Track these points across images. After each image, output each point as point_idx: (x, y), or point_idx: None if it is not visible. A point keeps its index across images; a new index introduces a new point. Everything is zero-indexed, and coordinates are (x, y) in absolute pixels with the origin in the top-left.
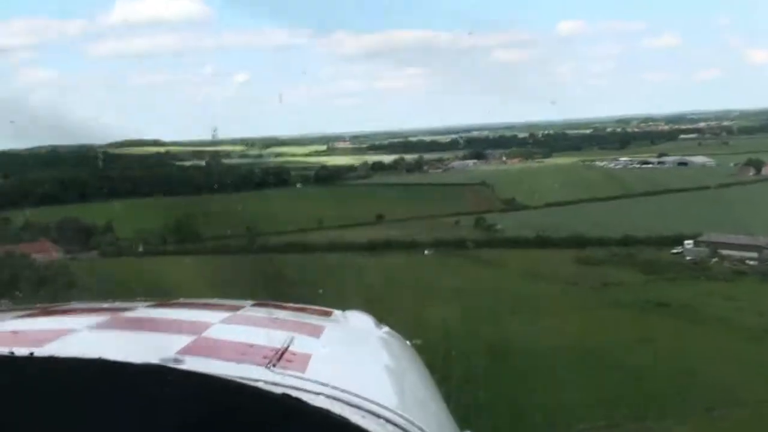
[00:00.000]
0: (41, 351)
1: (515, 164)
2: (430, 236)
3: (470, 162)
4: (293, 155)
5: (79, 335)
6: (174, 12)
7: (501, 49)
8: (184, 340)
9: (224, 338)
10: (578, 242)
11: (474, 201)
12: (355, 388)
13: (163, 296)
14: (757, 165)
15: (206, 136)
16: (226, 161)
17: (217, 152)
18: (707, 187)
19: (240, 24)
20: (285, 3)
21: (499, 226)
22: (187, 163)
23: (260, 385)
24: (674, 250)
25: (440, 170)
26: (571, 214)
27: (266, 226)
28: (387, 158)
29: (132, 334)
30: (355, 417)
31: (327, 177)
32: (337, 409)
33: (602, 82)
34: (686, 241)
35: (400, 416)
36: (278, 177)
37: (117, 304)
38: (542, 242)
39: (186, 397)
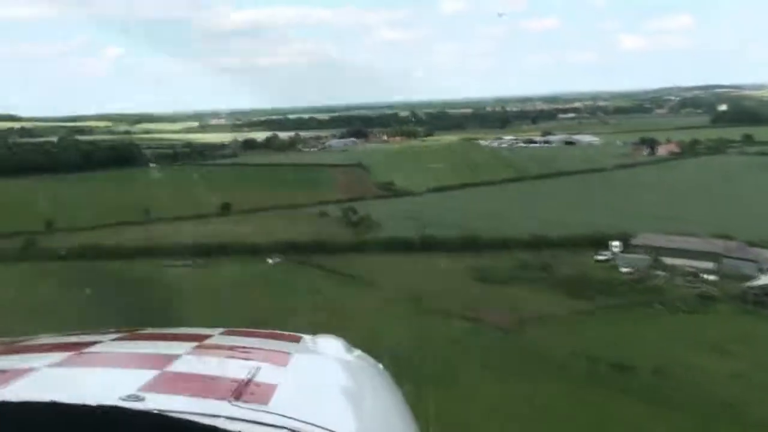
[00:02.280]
0: None
1: (397, 143)
2: (285, 235)
3: (349, 140)
4: (163, 132)
5: (38, 374)
6: None
7: (385, 27)
8: (147, 375)
9: (188, 371)
10: (473, 244)
11: (347, 185)
12: (319, 419)
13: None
14: (651, 144)
15: (71, 111)
16: (84, 138)
17: (78, 128)
18: (604, 169)
19: None
20: None
21: (372, 219)
22: (37, 140)
23: (219, 421)
24: (600, 256)
25: (315, 149)
26: (459, 201)
27: (79, 218)
28: (261, 136)
29: (94, 371)
30: None
31: (188, 156)
32: None
33: (482, 62)
34: (613, 243)
35: None
36: (129, 156)
37: (83, 338)
38: (427, 245)
39: None
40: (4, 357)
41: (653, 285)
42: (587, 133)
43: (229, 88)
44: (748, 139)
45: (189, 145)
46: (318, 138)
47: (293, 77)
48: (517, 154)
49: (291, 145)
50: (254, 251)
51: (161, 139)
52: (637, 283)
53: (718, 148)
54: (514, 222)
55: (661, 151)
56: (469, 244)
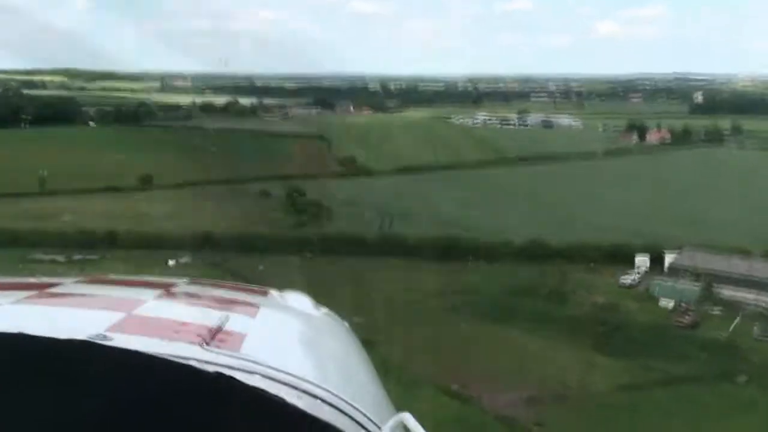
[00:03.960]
0: None
1: (364, 115)
2: (208, 221)
3: (314, 110)
4: (120, 90)
5: (1, 309)
6: None
7: None
8: (114, 317)
9: (156, 315)
10: (452, 249)
11: (303, 159)
12: (291, 367)
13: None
14: (641, 130)
15: (33, 65)
16: (29, 92)
17: (30, 82)
18: (593, 155)
19: None
20: None
21: (323, 204)
22: None
23: (193, 363)
24: (625, 279)
25: (277, 117)
26: (432, 186)
27: None
28: (221, 100)
29: (58, 310)
30: (290, 397)
31: (137, 116)
32: (272, 388)
33: (455, 40)
34: (638, 258)
35: (337, 396)
36: (66, 112)
37: (44, 280)
38: (390, 246)
39: (114, 375)
40: None
41: (722, 336)
42: (565, 115)
43: (198, 51)
44: (736, 130)
45: (143, 105)
46: (281, 106)
47: (264, 44)
48: (494, 134)
49: (252, 111)
50: (160, 244)
51: (116, 98)
52: (692, 328)
53: (714, 138)
54: (502, 218)
55: (651, 138)
56: (447, 249)
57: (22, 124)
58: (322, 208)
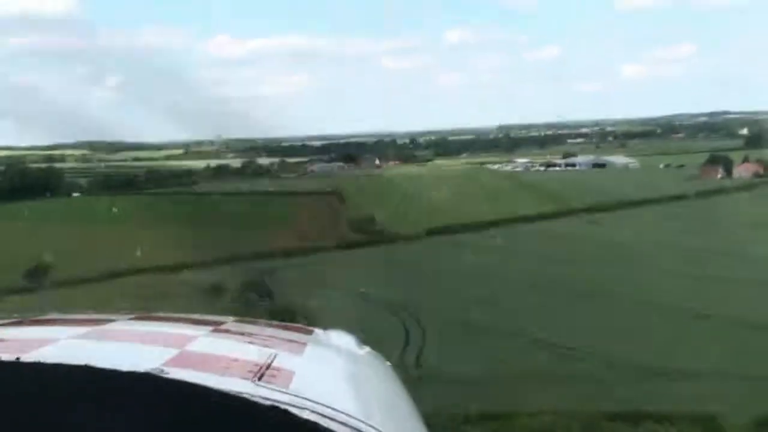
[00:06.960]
0: (27, 357)
1: (391, 167)
2: None
3: (335, 165)
4: (140, 159)
5: (62, 344)
6: (41, 10)
7: (388, 56)
8: (167, 353)
9: (207, 351)
10: None
11: (306, 223)
12: (338, 404)
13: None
14: (726, 164)
15: (63, 140)
16: (34, 166)
17: (50, 156)
18: (684, 196)
19: (115, 24)
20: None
21: (306, 308)
22: None
23: (247, 396)
24: None
25: (294, 175)
26: (480, 255)
27: None
28: (238, 162)
29: (115, 345)
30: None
31: (130, 183)
32: (323, 423)
33: (483, 92)
34: None
35: None
36: (44, 184)
37: (98, 316)
38: None
39: (173, 406)
40: (27, 328)
41: None
42: (614, 156)
43: (228, 118)
44: None
45: (152, 172)
46: (301, 164)
47: (294, 107)
48: (543, 179)
49: (269, 171)
50: None
51: (127, 167)
52: None
53: None
54: (635, 328)
55: (740, 172)
56: None
57: None
58: (305, 314)
